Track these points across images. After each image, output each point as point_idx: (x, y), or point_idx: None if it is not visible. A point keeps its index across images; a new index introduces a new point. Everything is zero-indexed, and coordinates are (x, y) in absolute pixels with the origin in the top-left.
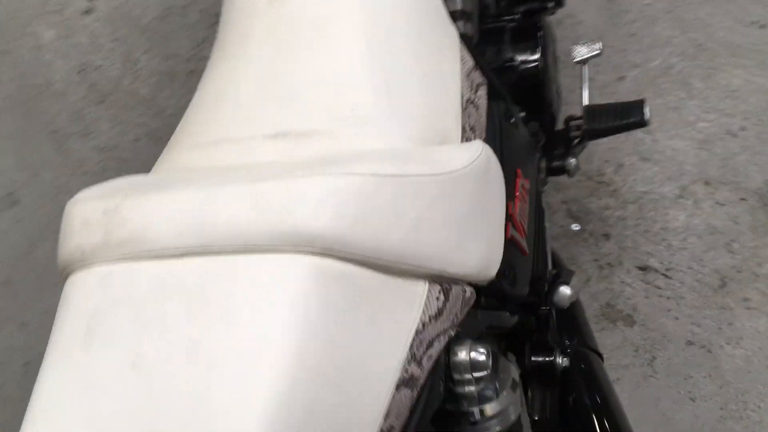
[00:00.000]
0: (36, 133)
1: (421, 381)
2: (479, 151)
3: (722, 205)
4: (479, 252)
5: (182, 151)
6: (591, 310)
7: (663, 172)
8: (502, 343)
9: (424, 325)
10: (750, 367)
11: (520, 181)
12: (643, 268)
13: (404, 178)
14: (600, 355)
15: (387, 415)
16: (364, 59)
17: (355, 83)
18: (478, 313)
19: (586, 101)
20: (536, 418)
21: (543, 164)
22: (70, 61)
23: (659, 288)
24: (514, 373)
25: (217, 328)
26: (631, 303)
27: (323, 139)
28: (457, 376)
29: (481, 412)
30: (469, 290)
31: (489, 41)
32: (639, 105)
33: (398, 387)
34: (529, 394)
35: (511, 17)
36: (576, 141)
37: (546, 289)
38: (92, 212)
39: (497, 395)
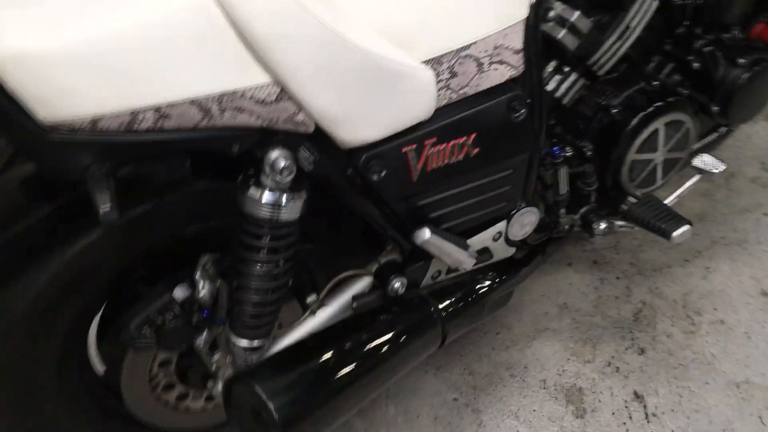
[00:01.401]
0: None
1: (216, 122)
2: (398, 59)
3: None
4: (327, 103)
5: None
6: (564, 379)
7: (746, 356)
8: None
9: (243, 94)
10: None
11: (464, 141)
12: (638, 397)
13: (305, 12)
14: (444, 337)
15: (169, 105)
16: None
17: None
18: (322, 159)
19: (668, 200)
20: (353, 306)
21: (584, 210)
22: None
23: (629, 417)
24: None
25: None
26: (598, 405)
27: None
28: (264, 167)
29: (260, 195)
30: (303, 117)
31: (620, 82)
32: (677, 222)
33: (191, 103)
34: (366, 291)
35: (661, 88)
36: (620, 213)
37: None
38: None
39: (282, 196)
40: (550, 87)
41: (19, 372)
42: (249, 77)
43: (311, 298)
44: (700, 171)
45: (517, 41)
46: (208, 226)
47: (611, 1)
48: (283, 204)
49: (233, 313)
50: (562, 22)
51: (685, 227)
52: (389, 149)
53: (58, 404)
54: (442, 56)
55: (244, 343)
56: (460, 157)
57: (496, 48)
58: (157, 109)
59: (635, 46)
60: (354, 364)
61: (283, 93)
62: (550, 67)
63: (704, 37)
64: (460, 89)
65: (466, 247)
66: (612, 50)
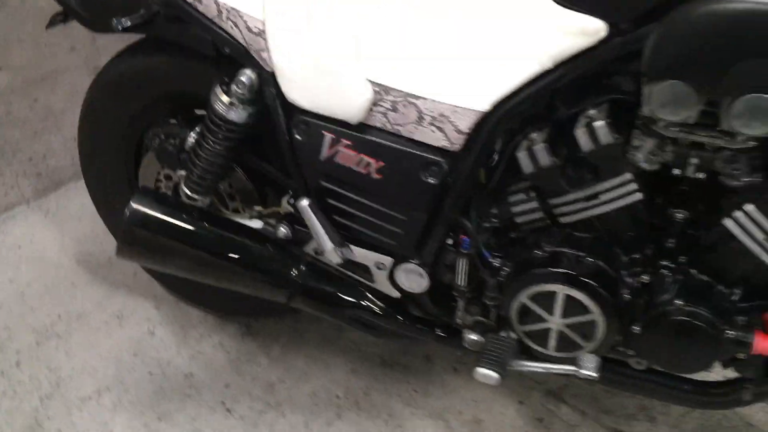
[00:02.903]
0: None
1: (222, 24)
2: (344, 60)
3: None
4: (278, 54)
5: None
6: None
7: None
8: None
9: (242, 15)
10: None
11: (372, 162)
12: None
13: None
14: (288, 299)
15: None
16: None
17: None
18: (278, 100)
19: (534, 365)
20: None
21: (479, 318)
22: None
23: None
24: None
25: None
26: None
27: None
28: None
29: (220, 92)
30: (266, 55)
31: (571, 241)
32: (496, 368)
33: (215, 3)
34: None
35: (595, 269)
36: None
37: None
38: None
39: (233, 101)
40: (512, 199)
41: (100, 122)
42: (252, 7)
43: (257, 208)
44: (574, 364)
45: (463, 124)
46: None
47: (592, 164)
48: (231, 106)
49: (187, 166)
50: (529, 143)
51: (494, 375)
52: (314, 123)
53: (113, 161)
54: (391, 88)
55: (186, 190)
56: (363, 171)
57: (441, 115)
58: None
59: (613, 224)
60: (206, 248)
61: (264, 31)
62: (526, 184)
63: (678, 264)
64: (395, 124)
65: (337, 243)
66: (573, 207)
